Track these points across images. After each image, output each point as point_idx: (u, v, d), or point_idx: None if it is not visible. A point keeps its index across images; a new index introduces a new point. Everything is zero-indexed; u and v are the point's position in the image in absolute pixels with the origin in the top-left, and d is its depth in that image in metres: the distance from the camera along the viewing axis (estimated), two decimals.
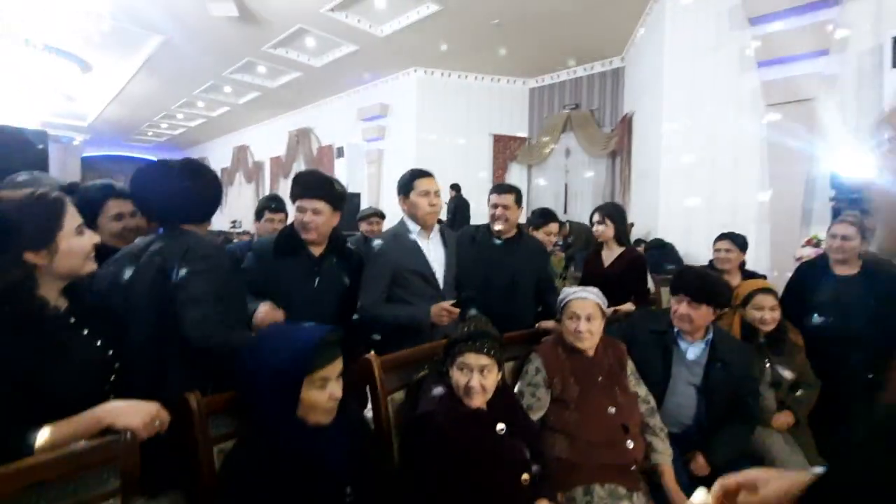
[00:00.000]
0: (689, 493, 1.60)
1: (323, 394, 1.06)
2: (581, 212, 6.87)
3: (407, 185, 1.98)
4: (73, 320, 1.08)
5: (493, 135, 7.46)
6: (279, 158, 10.52)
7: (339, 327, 1.13)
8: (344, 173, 8.31)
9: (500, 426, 1.37)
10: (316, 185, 1.81)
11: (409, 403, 1.46)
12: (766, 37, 4.21)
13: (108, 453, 0.93)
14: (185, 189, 1.40)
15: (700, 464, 1.74)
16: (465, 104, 7.43)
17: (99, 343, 1.12)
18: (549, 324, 1.95)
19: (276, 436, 1.04)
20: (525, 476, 1.33)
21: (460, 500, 1.24)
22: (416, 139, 7.27)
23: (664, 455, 1.63)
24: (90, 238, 1.10)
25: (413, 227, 2.00)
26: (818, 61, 4.00)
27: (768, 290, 2.08)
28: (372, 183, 7.92)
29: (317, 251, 1.85)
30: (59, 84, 8.18)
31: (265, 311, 1.57)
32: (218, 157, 12.91)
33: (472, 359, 1.34)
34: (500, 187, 2.37)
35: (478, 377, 1.34)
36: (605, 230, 2.54)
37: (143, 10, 5.58)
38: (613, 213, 2.58)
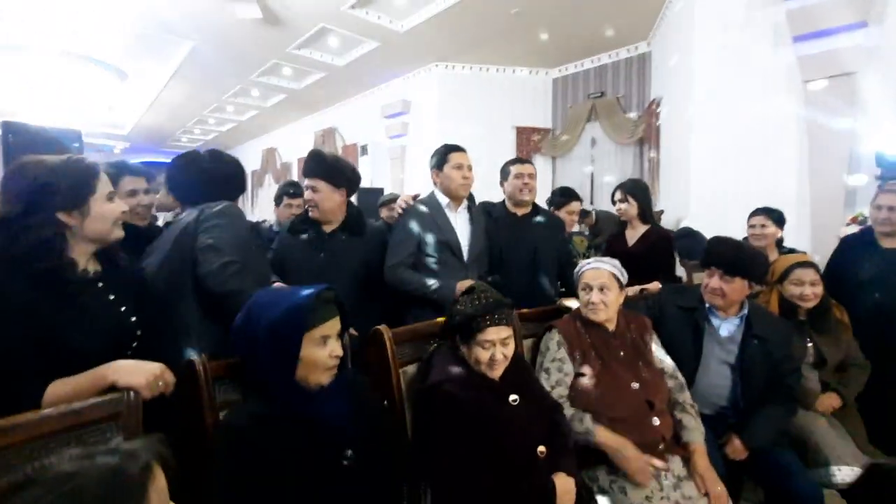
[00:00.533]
0: (723, 477, 1.51)
1: (324, 351, 1.03)
2: (608, 202, 6.66)
3: (441, 158, 2.04)
4: (101, 285, 1.12)
5: (516, 127, 7.34)
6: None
7: (332, 286, 1.11)
8: (368, 171, 8.38)
9: (514, 397, 1.31)
10: (314, 163, 1.89)
11: (421, 377, 1.41)
12: (800, 9, 3.98)
13: (111, 410, 0.93)
14: (208, 171, 1.55)
15: (736, 447, 1.62)
16: (486, 97, 7.35)
17: (123, 309, 1.15)
18: (570, 301, 1.88)
19: (275, 396, 1.01)
20: (541, 449, 1.27)
21: (474, 472, 1.18)
22: (438, 134, 7.24)
23: (695, 432, 1.52)
24: (119, 206, 1.14)
25: (443, 199, 2.05)
26: (857, 33, 3.74)
27: (808, 264, 1.92)
28: (396, 179, 7.94)
29: (328, 229, 1.90)
30: (98, 94, 8.58)
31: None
32: (248, 160, 13.27)
33: (494, 333, 1.30)
34: (520, 159, 2.34)
35: (500, 349, 1.30)
36: (628, 208, 2.44)
37: (170, 17, 5.76)
38: (636, 189, 2.47)
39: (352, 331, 1.29)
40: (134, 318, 1.17)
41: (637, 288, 2.11)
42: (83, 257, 1.10)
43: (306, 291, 1.03)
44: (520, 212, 2.29)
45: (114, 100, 9.32)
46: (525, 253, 2.20)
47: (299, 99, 9.14)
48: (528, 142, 7.36)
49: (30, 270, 0.98)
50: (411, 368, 1.46)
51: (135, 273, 1.28)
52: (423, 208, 2.01)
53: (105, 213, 1.09)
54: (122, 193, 1.66)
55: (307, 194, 1.86)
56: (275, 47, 6.78)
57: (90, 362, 1.00)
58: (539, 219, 2.30)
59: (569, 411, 1.47)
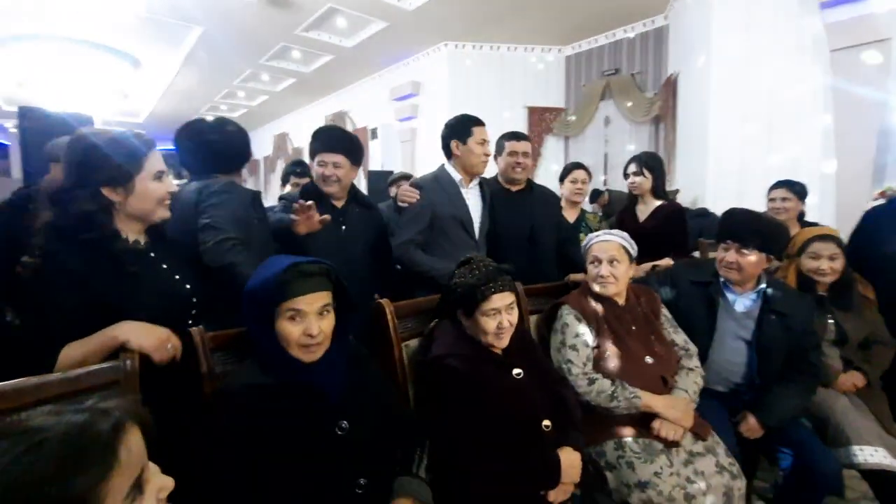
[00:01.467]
0: (737, 456, 1.46)
1: (295, 328, 0.99)
2: (622, 182, 6.51)
3: (465, 130, 1.96)
4: (152, 255, 1.15)
5: (528, 107, 7.18)
6: None
7: (326, 262, 1.06)
8: (378, 154, 8.34)
9: (517, 371, 1.28)
10: (336, 139, 1.86)
11: (423, 350, 1.39)
12: None
13: (109, 377, 0.93)
14: (212, 142, 1.55)
15: (751, 425, 1.57)
16: (497, 77, 7.20)
17: (177, 277, 1.18)
18: (578, 276, 1.83)
19: (268, 362, 1.00)
20: (546, 423, 1.24)
21: (478, 446, 1.16)
22: (448, 116, 7.09)
23: (678, 391, 1.48)
24: (166, 185, 1.14)
25: (456, 174, 1.98)
26: None
27: (829, 237, 1.83)
28: (406, 162, 7.88)
29: (338, 204, 1.88)
30: (113, 82, 8.66)
31: None
32: (260, 146, 13.32)
33: (499, 300, 1.27)
34: (516, 134, 2.23)
35: (506, 316, 1.28)
36: (642, 181, 2.34)
37: (179, 1, 5.74)
38: (652, 162, 2.36)
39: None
40: (189, 286, 1.20)
41: (648, 265, 2.05)
42: (131, 231, 1.11)
43: (285, 263, 0.99)
44: (514, 188, 2.21)
45: (128, 88, 9.40)
46: (521, 230, 2.13)
47: (309, 82, 9.09)
48: (541, 122, 7.21)
49: (80, 241, 1.01)
50: (413, 342, 1.44)
51: (186, 245, 1.31)
52: (434, 183, 1.95)
53: (149, 191, 1.10)
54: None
55: (328, 169, 1.80)
56: (283, 30, 6.72)
57: None
58: (534, 195, 2.22)
59: (604, 381, 1.43)
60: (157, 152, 1.13)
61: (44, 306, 0.98)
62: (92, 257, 1.02)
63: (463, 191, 1.97)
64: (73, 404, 0.55)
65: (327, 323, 1.03)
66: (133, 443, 0.55)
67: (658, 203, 2.35)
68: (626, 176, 2.44)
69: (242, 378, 1.00)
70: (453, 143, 1.97)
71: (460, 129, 1.96)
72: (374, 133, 8.54)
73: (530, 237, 2.13)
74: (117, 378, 0.93)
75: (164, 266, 1.17)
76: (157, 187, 1.12)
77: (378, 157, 8.35)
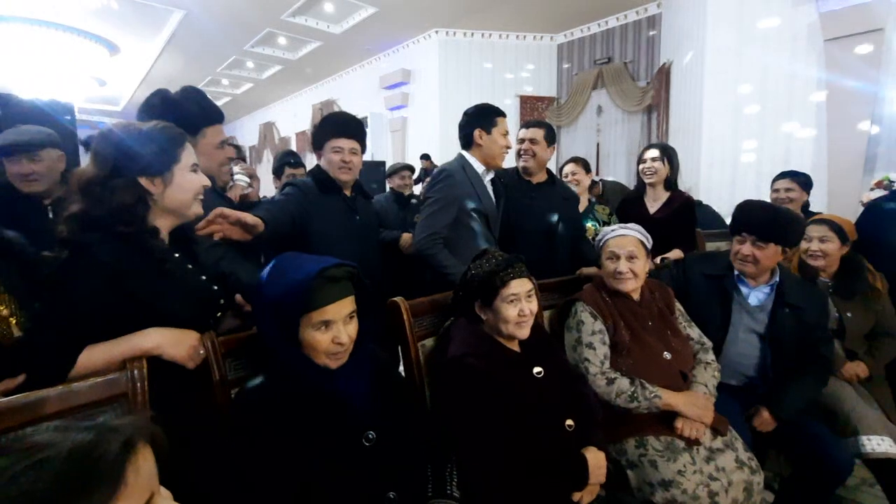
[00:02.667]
0: (755, 450, 1.45)
1: (323, 336, 0.93)
2: (615, 171, 6.53)
3: (490, 119, 1.89)
4: (177, 255, 1.11)
5: (520, 96, 7.13)
6: (304, 133, 10.47)
7: (352, 262, 0.99)
8: (369, 144, 8.18)
9: (538, 369, 1.24)
10: (353, 125, 1.79)
11: (439, 351, 1.34)
12: None
13: (115, 390, 0.86)
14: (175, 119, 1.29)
15: (764, 419, 1.56)
16: (489, 65, 7.11)
17: (204, 278, 1.15)
18: (590, 270, 1.79)
19: (289, 372, 0.93)
20: (569, 422, 1.20)
21: (499, 447, 1.12)
22: (439, 105, 7.04)
23: (697, 385, 1.46)
24: (201, 179, 1.10)
25: (478, 165, 1.92)
26: None
27: (824, 221, 1.82)
28: (396, 151, 7.77)
29: (348, 192, 1.82)
30: (89, 68, 8.31)
31: None
32: (246, 136, 13.02)
33: (518, 286, 1.23)
34: (529, 122, 2.18)
35: (527, 304, 1.24)
36: (661, 168, 2.29)
37: None
38: (672, 153, 2.32)
39: None
40: (216, 287, 1.17)
41: (657, 258, 2.03)
42: (164, 228, 1.07)
43: (310, 268, 0.91)
44: (534, 180, 2.16)
45: (106, 74, 9.05)
46: (539, 224, 2.08)
47: (295, 70, 8.87)
48: (532, 111, 7.15)
49: (114, 233, 0.96)
50: (429, 342, 1.39)
51: (201, 245, 1.25)
52: (462, 172, 1.87)
53: (186, 183, 1.06)
54: None
55: (345, 156, 1.73)
56: (268, 15, 6.51)
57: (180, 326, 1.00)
58: (555, 189, 2.18)
59: (624, 381, 1.39)
60: (190, 146, 1.10)
61: (67, 301, 0.92)
62: (127, 252, 0.97)
63: (487, 184, 1.93)
64: (83, 420, 0.49)
65: (353, 328, 0.98)
66: (143, 464, 0.50)
67: (667, 194, 2.31)
68: (641, 161, 2.36)
69: (261, 386, 0.94)
70: (477, 132, 1.89)
71: (485, 117, 1.89)
72: (364, 122, 8.40)
73: (548, 231, 2.08)
74: (124, 390, 0.86)
75: (190, 266, 1.13)
76: (193, 178, 1.08)
77: (369, 147, 8.21)
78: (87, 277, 0.93)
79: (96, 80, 9.40)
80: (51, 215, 1.74)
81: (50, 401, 0.80)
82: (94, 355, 0.92)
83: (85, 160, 1.19)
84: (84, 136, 1.79)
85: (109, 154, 1.00)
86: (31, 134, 1.76)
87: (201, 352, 0.99)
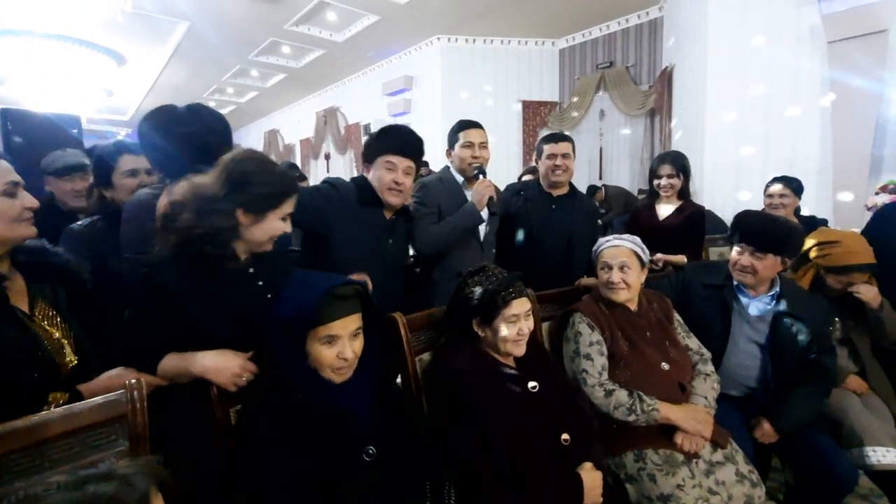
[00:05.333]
0: (756, 464, 1.44)
1: (329, 351, 0.97)
2: (618, 176, 6.52)
3: (453, 136, 1.97)
4: (251, 271, 1.17)
5: (522, 101, 7.13)
6: (308, 140, 10.55)
7: (357, 282, 1.03)
8: None
9: (533, 384, 1.25)
10: (416, 143, 1.68)
11: (436, 366, 1.35)
12: None
13: (115, 412, 0.87)
14: (188, 136, 1.31)
15: (766, 431, 1.55)
16: (491, 71, 7.13)
17: (269, 296, 1.17)
18: (589, 280, 1.79)
19: (292, 387, 0.96)
20: (565, 436, 1.21)
21: (496, 462, 1.13)
22: (442, 111, 7.06)
23: (697, 397, 1.46)
24: (284, 227, 1.16)
25: (458, 176, 1.96)
26: None
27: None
28: None
29: (388, 215, 1.71)
30: (97, 79, 8.44)
31: None
32: (250, 144, 13.12)
33: (519, 305, 1.25)
34: (555, 136, 2.20)
35: (525, 322, 1.26)
36: (676, 184, 2.30)
37: None
38: (685, 162, 2.33)
39: None
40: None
41: (663, 257, 2.06)
42: (241, 250, 1.15)
43: (320, 285, 0.96)
44: (555, 192, 2.17)
45: (114, 85, 9.18)
46: (559, 236, 2.10)
47: (299, 78, 8.94)
48: (535, 115, 7.16)
49: (197, 250, 1.04)
50: (427, 356, 1.40)
51: (285, 262, 1.31)
52: (439, 183, 1.92)
53: (272, 229, 1.13)
54: (122, 173, 1.62)
55: (398, 175, 1.61)
56: (272, 24, 6.58)
57: (230, 342, 1.07)
58: (576, 202, 2.19)
59: (622, 393, 1.39)
60: (293, 199, 1.17)
61: (146, 313, 1.04)
62: (205, 270, 1.06)
63: (467, 192, 1.93)
64: (90, 467, 0.50)
65: (359, 344, 1.01)
66: None
67: (679, 203, 2.32)
68: (656, 176, 2.35)
69: (266, 401, 0.96)
70: (446, 151, 2.01)
71: (451, 136, 1.98)
72: (367, 129, 8.43)
73: (567, 244, 2.09)
74: (124, 412, 0.87)
75: (261, 283, 1.18)
76: (278, 226, 1.15)
77: None
78: (153, 297, 1.03)
79: (104, 91, 9.54)
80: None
81: (52, 424, 0.81)
82: (170, 361, 1.03)
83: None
84: (90, 145, 1.88)
85: (230, 178, 1.07)
86: (79, 156, 2.06)
87: (243, 378, 1.03)
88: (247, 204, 1.07)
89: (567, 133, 7.47)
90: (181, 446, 0.94)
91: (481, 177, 1.84)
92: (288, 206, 1.14)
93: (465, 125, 1.95)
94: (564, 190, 2.18)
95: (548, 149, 2.14)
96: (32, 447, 0.78)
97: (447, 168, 2.00)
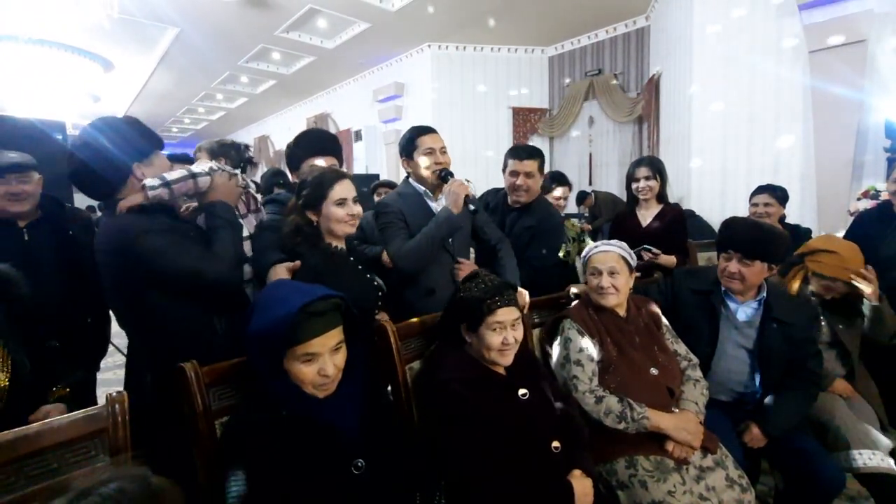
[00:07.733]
0: (745, 468, 1.45)
1: (309, 369, 0.94)
2: (607, 182, 6.58)
3: (410, 144, 1.82)
4: (351, 259, 1.48)
5: (512, 108, 7.18)
6: None
7: (336, 294, 1.00)
8: (363, 157, 8.23)
9: (523, 391, 1.24)
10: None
11: (426, 374, 1.34)
12: None
13: (94, 426, 0.85)
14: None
15: (755, 435, 1.56)
16: (481, 78, 7.18)
17: (368, 276, 1.48)
18: (579, 287, 1.80)
19: (276, 401, 0.93)
20: (555, 443, 1.20)
21: (487, 470, 1.12)
22: (432, 117, 7.08)
23: (689, 403, 1.46)
24: (345, 210, 1.39)
25: (419, 187, 1.84)
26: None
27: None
28: (390, 164, 7.80)
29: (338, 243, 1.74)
30: (83, 85, 8.33)
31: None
32: None
33: (504, 314, 1.24)
34: (519, 150, 2.10)
35: (511, 332, 1.24)
36: (654, 185, 2.31)
37: (154, 1, 5.55)
38: (661, 166, 2.35)
39: None
40: (376, 283, 1.50)
41: (648, 255, 2.08)
42: (335, 240, 1.44)
43: (295, 303, 0.91)
44: (516, 205, 2.14)
45: (100, 90, 9.08)
46: (515, 244, 2.01)
47: (289, 84, 8.92)
48: (525, 122, 7.21)
49: (300, 242, 1.37)
50: (417, 364, 1.39)
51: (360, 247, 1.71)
52: (398, 198, 1.82)
53: (330, 214, 1.39)
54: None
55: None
56: (262, 31, 6.57)
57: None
58: (528, 220, 2.10)
59: (612, 400, 1.39)
60: (340, 185, 1.39)
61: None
62: (318, 256, 1.36)
63: (432, 204, 1.83)
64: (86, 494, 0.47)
65: (341, 358, 0.98)
66: None
67: (659, 207, 2.34)
68: (633, 180, 2.37)
69: (251, 416, 0.94)
70: (402, 161, 1.87)
71: (405, 145, 1.84)
72: (357, 135, 8.43)
73: (522, 251, 2.02)
74: (104, 426, 0.85)
75: (360, 267, 1.48)
76: (335, 211, 1.39)
77: (362, 160, 8.25)
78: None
79: (91, 97, 9.43)
80: (26, 237, 1.72)
81: (28, 439, 0.79)
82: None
83: None
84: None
85: (296, 191, 1.43)
86: (19, 156, 1.78)
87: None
88: (305, 204, 1.37)
89: (557, 139, 7.53)
90: (163, 461, 0.91)
91: (450, 178, 1.75)
92: (335, 194, 1.37)
93: (420, 131, 1.83)
94: (521, 204, 2.12)
95: (511, 164, 2.07)
96: (8, 464, 0.75)
97: (406, 181, 1.88)
